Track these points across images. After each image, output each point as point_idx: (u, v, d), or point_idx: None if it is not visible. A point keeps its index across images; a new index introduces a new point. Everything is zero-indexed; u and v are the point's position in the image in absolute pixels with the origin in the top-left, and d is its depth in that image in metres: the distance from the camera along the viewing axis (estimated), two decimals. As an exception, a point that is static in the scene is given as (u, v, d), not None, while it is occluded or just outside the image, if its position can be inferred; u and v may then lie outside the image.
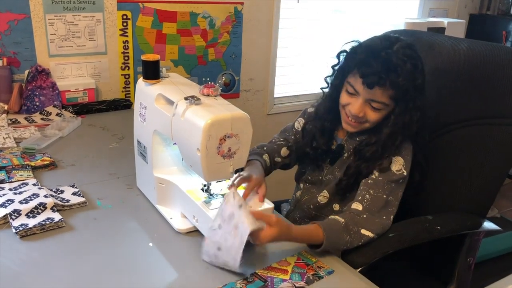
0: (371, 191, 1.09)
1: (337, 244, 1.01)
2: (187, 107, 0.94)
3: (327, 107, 1.22)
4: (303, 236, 1.00)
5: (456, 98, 1.27)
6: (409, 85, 1.07)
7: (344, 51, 1.17)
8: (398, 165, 1.11)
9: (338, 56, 1.19)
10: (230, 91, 2.25)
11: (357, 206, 1.07)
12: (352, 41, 1.16)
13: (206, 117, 0.89)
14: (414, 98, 1.09)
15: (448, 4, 2.89)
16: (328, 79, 1.23)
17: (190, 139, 0.92)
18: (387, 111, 1.12)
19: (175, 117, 0.97)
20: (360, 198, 1.09)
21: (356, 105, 1.11)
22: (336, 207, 1.23)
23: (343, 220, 1.03)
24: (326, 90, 1.24)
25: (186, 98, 0.95)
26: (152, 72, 1.07)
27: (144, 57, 1.07)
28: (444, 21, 2.58)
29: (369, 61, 1.07)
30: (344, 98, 1.15)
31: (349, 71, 1.13)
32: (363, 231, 1.03)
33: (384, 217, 1.07)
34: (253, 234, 0.88)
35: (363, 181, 1.12)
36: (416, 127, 1.12)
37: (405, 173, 1.11)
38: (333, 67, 1.21)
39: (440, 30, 2.52)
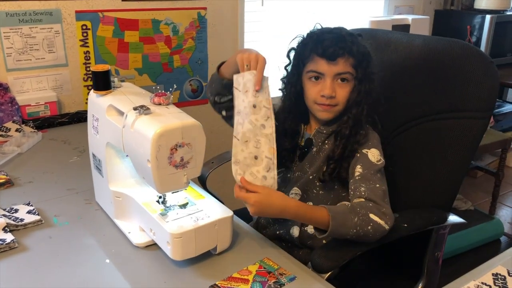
0: (363, 185, 1.06)
1: (345, 227, 0.97)
2: (137, 117, 0.91)
3: (287, 106, 1.20)
4: (305, 209, 1.01)
5: (414, 94, 1.27)
6: (361, 50, 1.12)
7: (292, 48, 1.18)
8: (376, 155, 1.11)
9: (288, 56, 1.19)
10: (198, 97, 2.22)
11: (358, 200, 1.04)
12: (296, 37, 1.18)
13: (154, 127, 0.86)
14: (368, 63, 1.13)
15: (413, 1, 2.92)
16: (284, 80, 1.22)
17: (140, 151, 0.90)
18: (353, 83, 1.13)
19: (125, 128, 0.94)
20: (357, 193, 1.05)
21: (327, 86, 1.11)
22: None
23: (348, 203, 1.02)
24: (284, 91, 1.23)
25: (135, 108, 0.92)
26: (102, 83, 1.04)
27: (93, 68, 1.04)
28: (409, 18, 2.59)
29: (323, 38, 1.11)
30: (312, 89, 1.14)
31: (305, 61, 1.13)
32: (372, 216, 0.98)
33: (388, 207, 1.03)
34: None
35: (350, 181, 1.09)
36: (375, 94, 1.14)
37: (384, 162, 1.12)
38: (285, 67, 1.21)
39: (405, 27, 2.53)
